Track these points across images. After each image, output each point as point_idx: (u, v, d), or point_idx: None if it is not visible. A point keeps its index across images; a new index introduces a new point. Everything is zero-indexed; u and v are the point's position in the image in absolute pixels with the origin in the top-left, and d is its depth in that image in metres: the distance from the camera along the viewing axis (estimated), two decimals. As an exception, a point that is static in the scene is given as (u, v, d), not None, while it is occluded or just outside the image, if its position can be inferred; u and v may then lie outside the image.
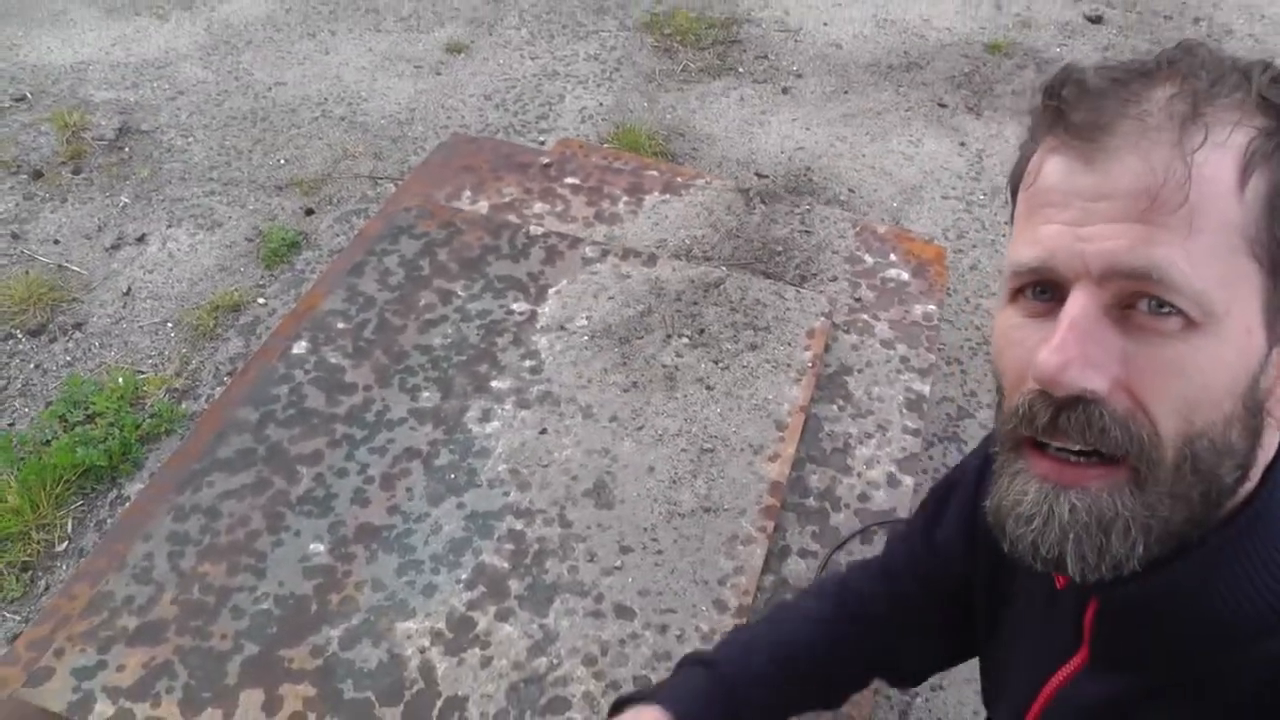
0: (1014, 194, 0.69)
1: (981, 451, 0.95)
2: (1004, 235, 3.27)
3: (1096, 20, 4.49)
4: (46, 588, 2.10)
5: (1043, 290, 0.63)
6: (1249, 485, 0.63)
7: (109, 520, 2.21)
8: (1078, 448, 0.60)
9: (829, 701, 1.06)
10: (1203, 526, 0.62)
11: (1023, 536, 0.63)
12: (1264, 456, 0.63)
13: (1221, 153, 0.57)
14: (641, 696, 0.99)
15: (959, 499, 0.96)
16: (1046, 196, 0.62)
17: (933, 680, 2.05)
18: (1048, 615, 0.79)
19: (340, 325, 1.95)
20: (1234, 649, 0.63)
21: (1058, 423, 0.60)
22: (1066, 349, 0.58)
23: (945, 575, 0.97)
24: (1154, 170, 0.56)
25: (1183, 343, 0.57)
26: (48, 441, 2.32)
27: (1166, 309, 0.57)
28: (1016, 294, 0.65)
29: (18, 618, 2.04)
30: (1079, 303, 0.59)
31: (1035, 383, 0.60)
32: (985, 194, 3.46)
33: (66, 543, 2.18)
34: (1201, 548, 0.63)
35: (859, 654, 1.04)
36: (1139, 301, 0.58)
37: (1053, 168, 0.62)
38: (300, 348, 1.90)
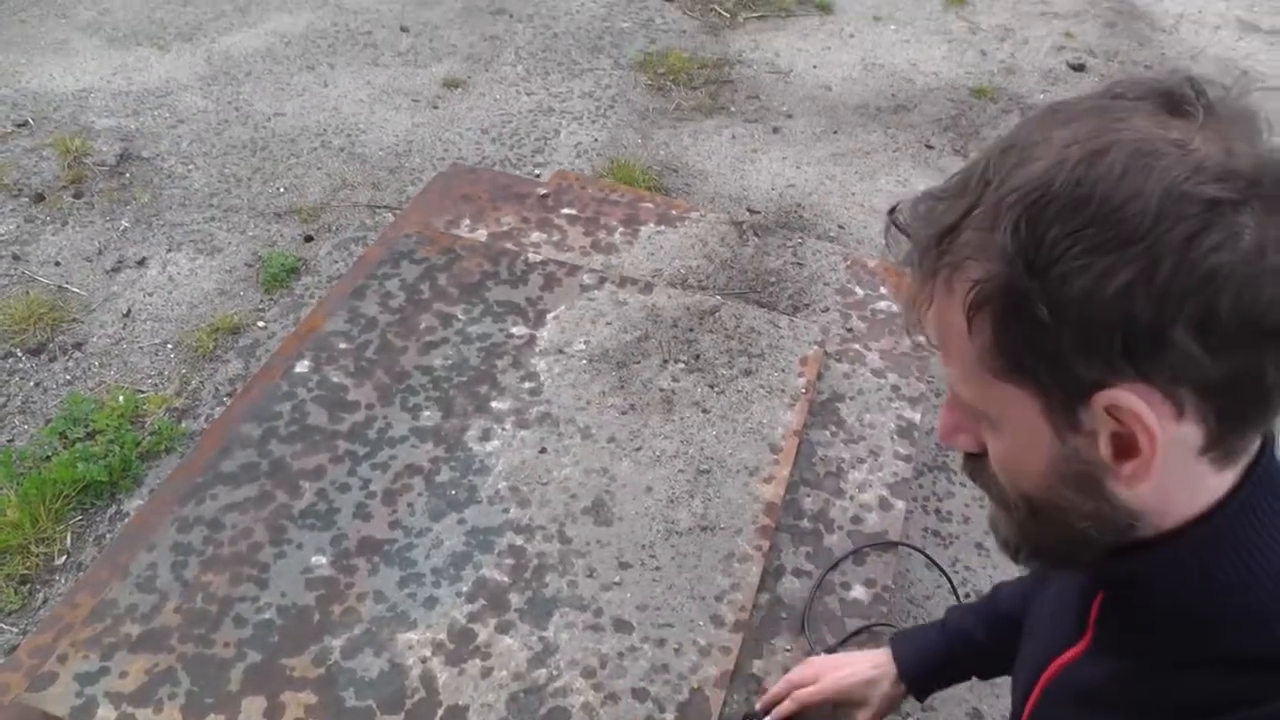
0: None
1: None
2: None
3: (1079, 68, 4.60)
4: (45, 601, 2.11)
5: None
6: (1181, 507, 0.69)
7: (108, 535, 2.22)
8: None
9: None
10: (1092, 552, 0.74)
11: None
12: (1187, 493, 0.68)
13: (949, 301, 0.66)
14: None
15: None
16: None
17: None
18: (1056, 608, 0.89)
19: (342, 345, 1.98)
20: (1219, 645, 0.69)
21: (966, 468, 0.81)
22: (941, 430, 0.79)
23: None
24: (931, 320, 0.70)
25: (991, 434, 0.73)
26: (48, 457, 2.34)
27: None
28: None
29: (15, 630, 2.05)
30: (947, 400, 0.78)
31: None
32: (972, 233, 3.53)
33: (65, 557, 2.19)
34: (1181, 539, 0.69)
35: None
36: None
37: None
38: (303, 366, 1.93)
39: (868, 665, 1.34)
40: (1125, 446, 0.64)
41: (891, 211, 0.72)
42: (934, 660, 1.31)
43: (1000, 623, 1.22)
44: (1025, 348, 0.63)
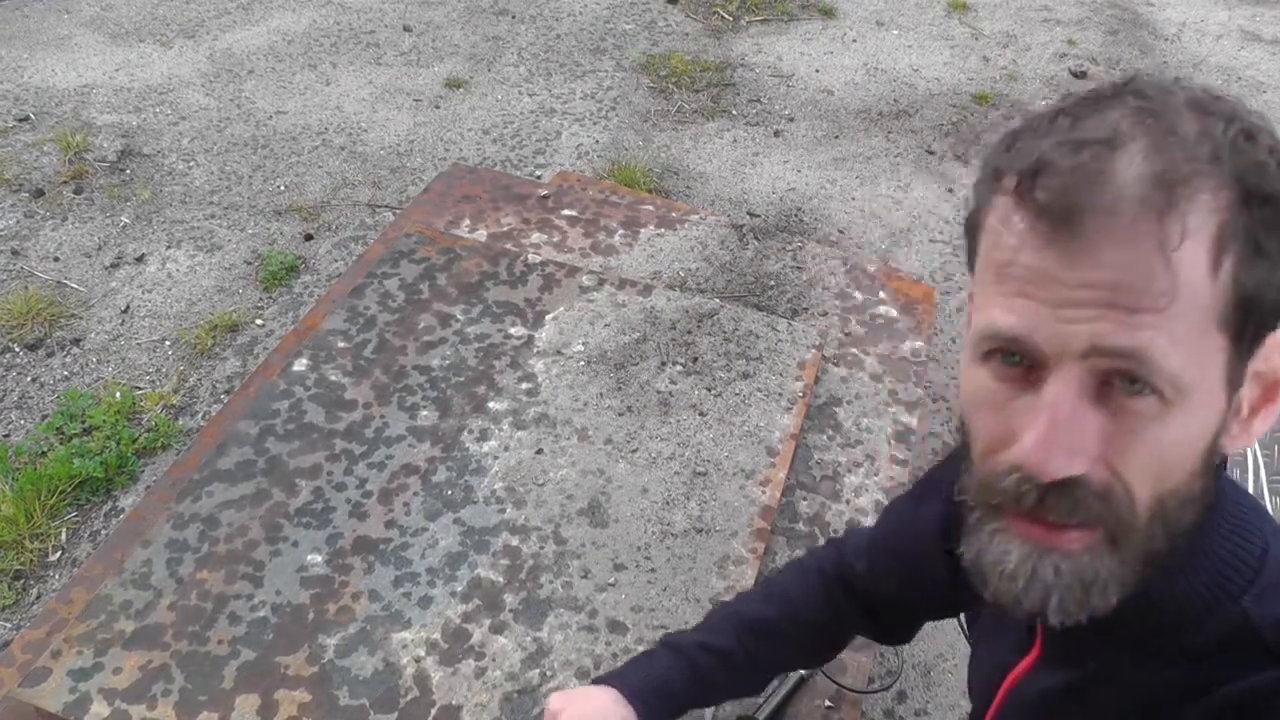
0: (972, 236, 0.69)
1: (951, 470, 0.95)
2: (989, 279, 3.34)
3: (1081, 75, 4.61)
4: (38, 596, 2.11)
5: (1012, 354, 0.63)
6: None
7: (103, 531, 2.22)
8: (1056, 520, 0.63)
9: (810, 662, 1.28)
10: (1162, 564, 0.66)
11: (1007, 592, 0.66)
12: None
13: (1196, 242, 0.57)
14: (601, 679, 1.12)
15: (933, 510, 1.01)
16: (1018, 271, 0.61)
17: (916, 705, 2.08)
18: (1002, 616, 0.83)
19: (341, 344, 1.98)
20: (1166, 640, 0.69)
21: (1044, 503, 0.62)
22: (1052, 440, 0.60)
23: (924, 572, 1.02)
24: (1134, 268, 0.57)
25: (1158, 422, 0.60)
26: (44, 453, 2.33)
27: (1141, 387, 0.59)
28: (987, 355, 0.65)
29: (9, 625, 2.05)
30: (1059, 389, 0.60)
31: (1016, 467, 0.63)
32: (971, 239, 3.53)
33: (60, 552, 2.19)
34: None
35: (841, 618, 1.18)
36: (1115, 378, 0.59)
37: (1022, 243, 0.61)
38: (301, 365, 1.93)
39: (609, 695, 1.10)
40: (1269, 391, 0.65)
41: (1021, 156, 0.61)
42: (662, 680, 1.12)
43: (752, 628, 1.15)
44: (1261, 285, 0.59)
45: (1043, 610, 0.64)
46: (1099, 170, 0.58)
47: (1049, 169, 0.59)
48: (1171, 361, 0.58)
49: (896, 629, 1.19)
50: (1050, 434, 0.60)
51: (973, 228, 0.69)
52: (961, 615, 1.08)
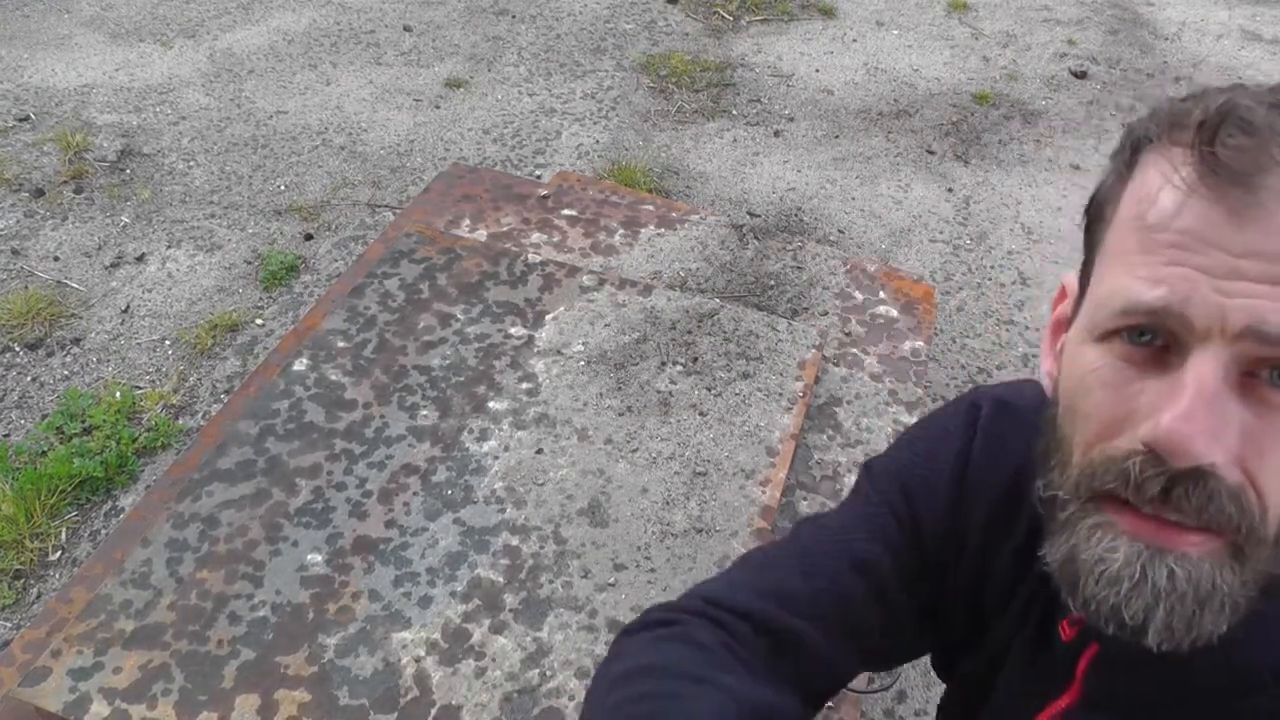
0: (1099, 213, 0.64)
1: (964, 422, 0.84)
2: (990, 279, 3.35)
3: (1081, 75, 4.60)
4: (39, 596, 2.11)
5: (1142, 334, 0.57)
6: None
7: (103, 531, 2.22)
8: (1179, 520, 0.55)
9: None
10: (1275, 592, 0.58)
11: (1105, 599, 0.57)
12: None
13: None
14: None
15: (941, 479, 0.83)
16: (1175, 236, 0.55)
17: (916, 705, 2.08)
18: (1039, 648, 0.76)
19: (341, 344, 1.98)
20: (1234, 698, 0.62)
21: (1170, 494, 0.54)
22: (1195, 419, 0.52)
23: (920, 562, 0.85)
24: None
25: None
26: (44, 452, 2.33)
27: None
28: (1112, 334, 0.58)
29: (9, 625, 2.05)
30: (1208, 366, 0.53)
31: (1147, 446, 0.54)
32: (972, 239, 3.53)
33: (60, 552, 2.19)
34: None
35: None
36: (1262, 369, 0.53)
37: (1184, 204, 0.54)
38: (301, 364, 1.93)
39: None
40: None
41: (1214, 111, 0.55)
42: None
43: None
44: None
45: (1144, 625, 0.56)
46: None
47: (1237, 118, 0.54)
48: None
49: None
50: (1193, 412, 0.52)
51: (1104, 201, 0.63)
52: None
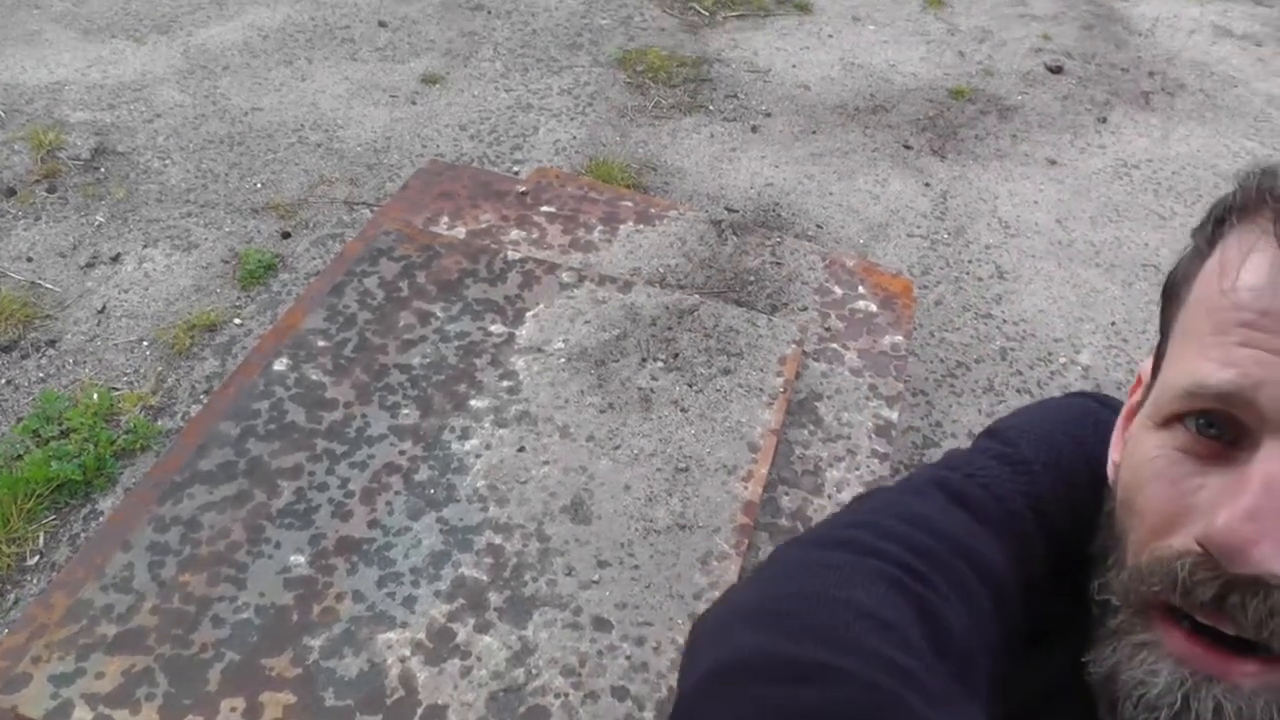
0: (1175, 291, 0.59)
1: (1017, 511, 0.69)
2: (967, 273, 3.37)
3: (1057, 70, 4.64)
4: (16, 601, 2.09)
5: (1210, 424, 0.51)
6: None
7: (82, 535, 2.20)
8: (1235, 634, 0.49)
9: None
10: None
11: None
12: None
13: None
14: None
15: (1006, 572, 0.67)
16: (1252, 315, 0.50)
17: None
18: None
19: (321, 343, 1.97)
20: None
21: (1225, 602, 0.48)
22: (1260, 519, 0.46)
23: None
24: None
25: None
26: (20, 456, 2.31)
27: None
28: (1174, 419, 0.53)
29: (-13, 631, 2.03)
30: (1275, 462, 0.47)
31: (1203, 545, 0.49)
32: (949, 233, 3.56)
33: (38, 557, 2.17)
34: None
35: None
36: None
37: (1264, 279, 0.50)
38: (281, 364, 1.92)
39: None
40: None
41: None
42: None
43: None
44: None
45: None
46: None
47: None
48: None
49: None
50: (1258, 510, 0.46)
51: (1180, 280, 0.58)
52: None
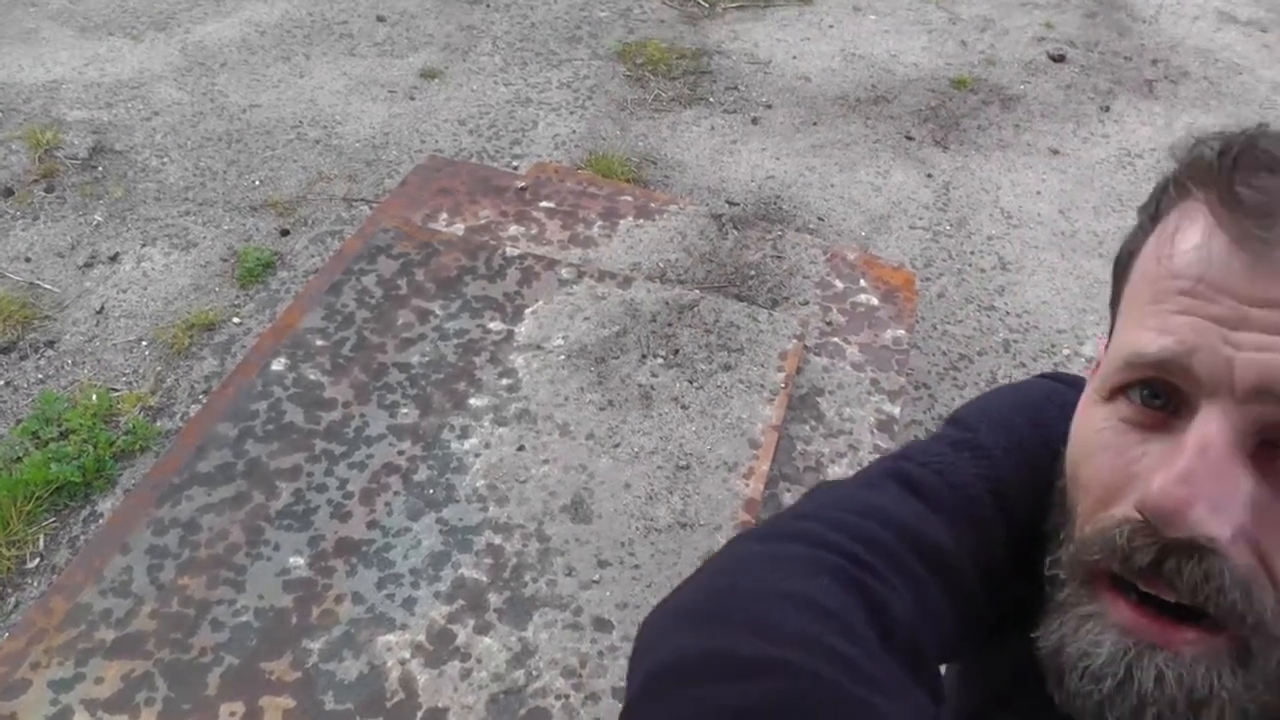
0: (1122, 268, 0.59)
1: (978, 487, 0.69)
2: (970, 265, 3.35)
3: (1059, 59, 4.61)
4: (17, 605, 2.08)
5: (1154, 394, 0.52)
6: None
7: (82, 537, 2.20)
8: (1174, 600, 0.49)
9: None
10: None
11: (1088, 695, 0.51)
12: None
13: None
14: None
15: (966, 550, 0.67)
16: (1188, 283, 0.50)
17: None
18: None
19: (319, 343, 1.96)
20: None
21: (1161, 567, 0.49)
22: (1192, 482, 0.47)
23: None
24: None
25: None
26: (19, 458, 2.30)
27: None
28: (1119, 391, 0.54)
29: (-13, 634, 2.02)
30: (1213, 425, 0.48)
31: (1140, 512, 0.49)
32: (952, 224, 3.53)
33: (38, 560, 2.16)
34: None
35: None
36: None
37: (1199, 249, 0.50)
38: (279, 364, 1.91)
39: None
40: None
41: (1236, 149, 0.51)
42: None
43: None
44: None
45: None
46: None
47: (1257, 156, 0.50)
48: None
49: None
50: (1191, 474, 0.47)
51: (1128, 255, 0.59)
52: None
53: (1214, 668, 0.49)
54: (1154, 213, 0.57)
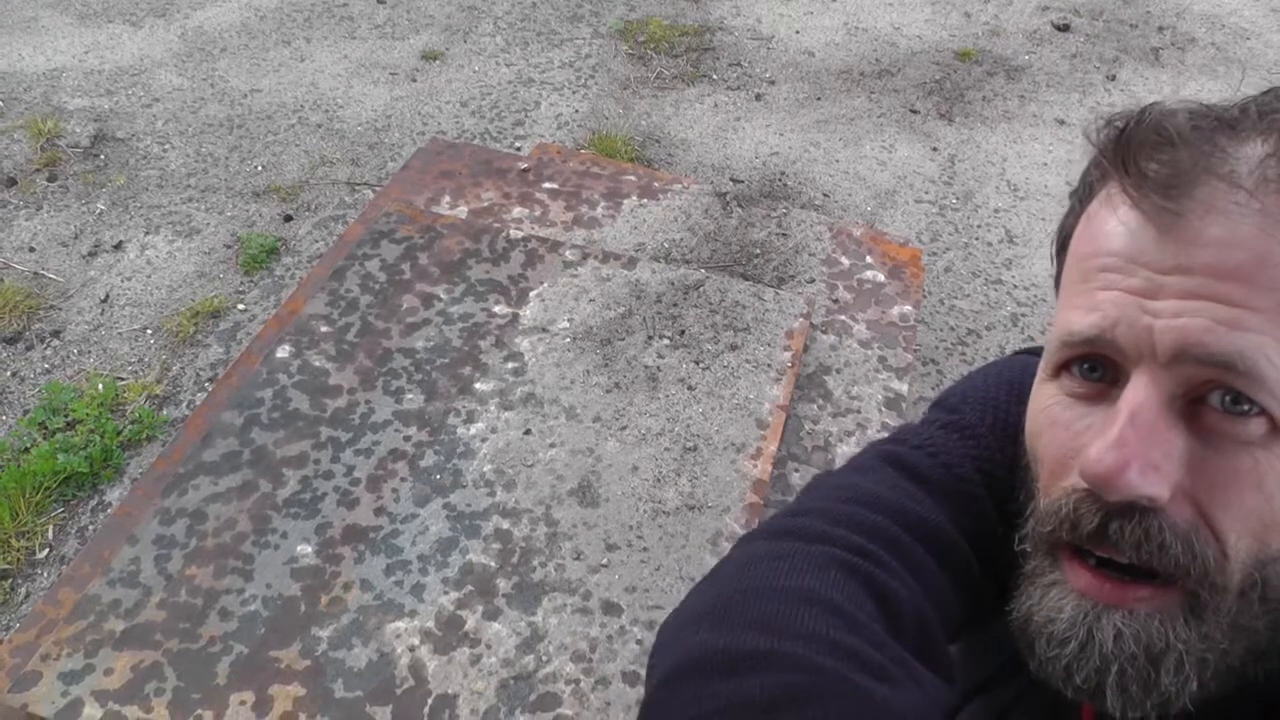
0: (1061, 250, 0.61)
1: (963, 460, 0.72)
2: (977, 238, 3.32)
3: (1064, 28, 4.56)
4: (27, 595, 2.09)
5: (1093, 368, 0.54)
6: None
7: (91, 527, 2.20)
8: (1126, 561, 0.51)
9: None
10: (1269, 660, 0.54)
11: (1055, 659, 0.54)
12: None
13: None
14: None
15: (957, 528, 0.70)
16: (1107, 259, 0.53)
17: None
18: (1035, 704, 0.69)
19: (323, 329, 1.95)
20: None
21: (1106, 531, 0.51)
22: (1125, 447, 0.49)
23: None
24: (1244, 247, 0.47)
25: (1263, 450, 0.48)
26: (27, 449, 2.31)
27: (1247, 407, 0.48)
28: (1061, 368, 0.56)
29: (-1, 625, 2.03)
30: (1140, 391, 0.50)
31: (1083, 481, 0.51)
32: (958, 198, 3.51)
33: (48, 550, 2.17)
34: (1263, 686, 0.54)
35: None
36: (1211, 394, 0.49)
37: (1116, 226, 0.53)
38: (284, 351, 1.91)
39: None
40: None
41: (1134, 125, 0.53)
42: None
43: None
44: None
45: (1099, 688, 0.52)
46: (1216, 145, 0.50)
47: (1161, 136, 0.51)
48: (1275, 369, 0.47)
49: None
50: (1122, 439, 0.49)
51: (1064, 237, 0.61)
52: None
53: (1167, 621, 0.51)
54: (1083, 195, 0.59)
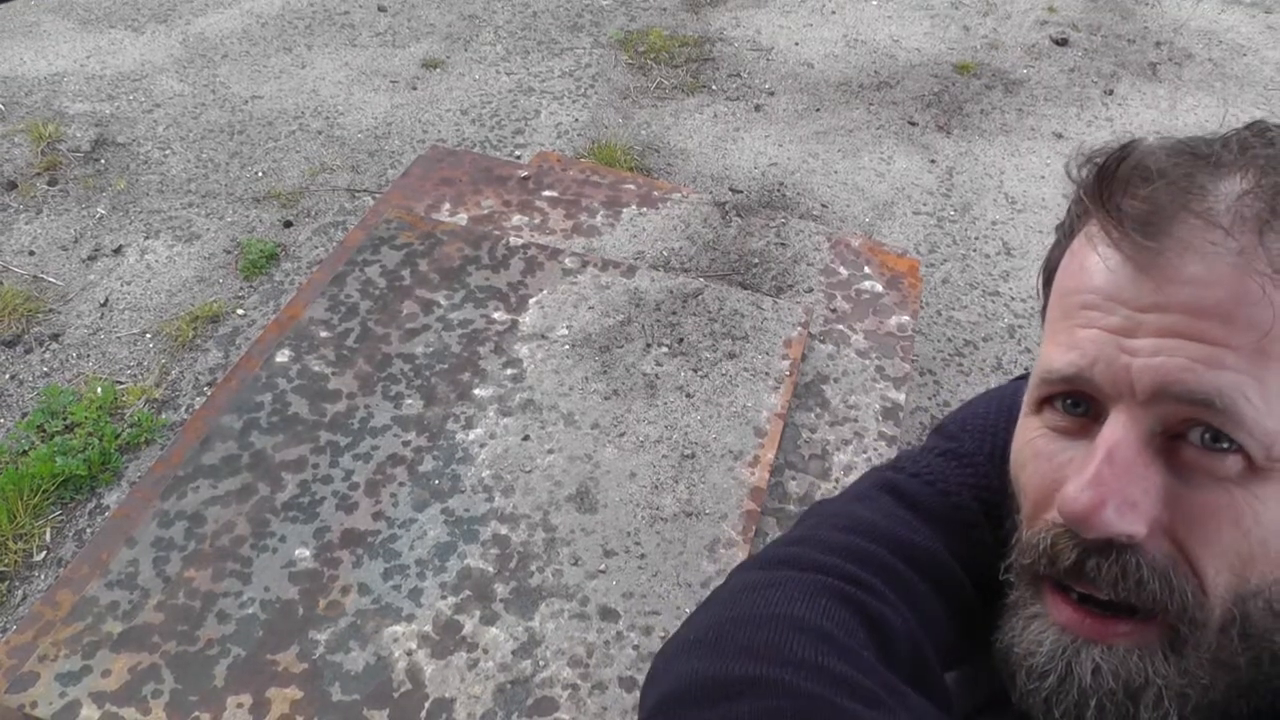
0: (1047, 284, 0.61)
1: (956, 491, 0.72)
2: (974, 250, 3.34)
3: (1062, 43, 4.58)
4: (24, 598, 2.09)
5: (1075, 403, 0.54)
6: None
7: (88, 530, 2.20)
8: (1106, 597, 0.52)
9: None
10: (1253, 697, 0.53)
11: (1035, 692, 0.54)
12: None
13: None
14: None
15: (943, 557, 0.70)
16: (1087, 296, 0.53)
17: None
18: None
19: (323, 334, 1.96)
20: None
21: (1084, 567, 0.51)
22: (1101, 485, 0.49)
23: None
24: (1220, 281, 0.48)
25: (1241, 489, 0.48)
26: (25, 451, 2.31)
27: (1225, 444, 0.48)
28: (1043, 403, 0.56)
29: (-5, 627, 2.03)
30: (1119, 429, 0.50)
31: (1061, 517, 0.52)
32: (955, 210, 3.52)
33: (45, 553, 2.17)
34: None
35: None
36: (1190, 431, 0.49)
37: (1096, 263, 0.53)
38: (283, 356, 1.91)
39: None
40: None
41: (1113, 163, 0.53)
42: None
43: None
44: None
45: None
46: (1195, 182, 0.50)
47: (1139, 174, 0.51)
48: (1264, 416, 0.47)
49: None
50: (1098, 477, 0.49)
51: (1050, 272, 0.61)
52: None
53: (1146, 656, 0.51)
54: (1068, 230, 0.59)
